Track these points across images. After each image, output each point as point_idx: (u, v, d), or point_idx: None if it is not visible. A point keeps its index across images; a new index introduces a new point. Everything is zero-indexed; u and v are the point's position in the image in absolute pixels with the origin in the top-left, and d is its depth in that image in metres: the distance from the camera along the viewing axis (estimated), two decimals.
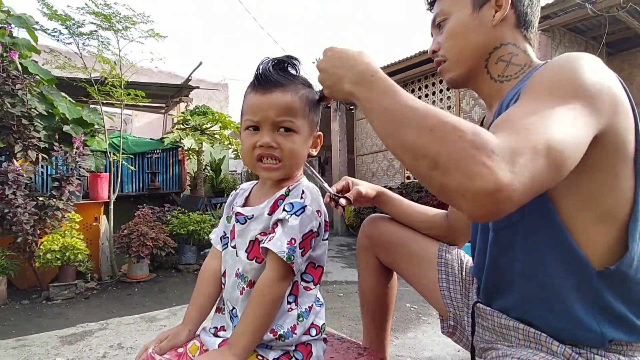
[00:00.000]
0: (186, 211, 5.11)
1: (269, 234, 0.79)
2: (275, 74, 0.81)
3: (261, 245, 0.78)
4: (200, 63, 6.54)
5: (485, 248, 0.83)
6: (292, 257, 0.75)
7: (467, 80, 0.88)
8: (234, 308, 0.84)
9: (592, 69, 0.62)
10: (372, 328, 1.26)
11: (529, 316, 0.75)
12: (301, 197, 0.79)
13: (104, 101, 4.63)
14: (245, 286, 0.82)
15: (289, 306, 0.81)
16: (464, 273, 1.06)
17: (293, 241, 0.75)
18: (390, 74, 7.20)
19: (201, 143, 6.18)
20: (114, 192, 4.51)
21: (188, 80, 6.72)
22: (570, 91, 0.59)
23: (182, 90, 6.70)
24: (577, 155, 0.56)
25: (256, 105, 0.80)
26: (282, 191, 0.82)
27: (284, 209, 0.78)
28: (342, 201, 1.08)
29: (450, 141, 0.52)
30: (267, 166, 0.81)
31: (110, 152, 4.65)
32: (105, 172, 4.74)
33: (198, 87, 6.73)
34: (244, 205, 0.90)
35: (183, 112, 6.48)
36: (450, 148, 0.51)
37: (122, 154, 4.77)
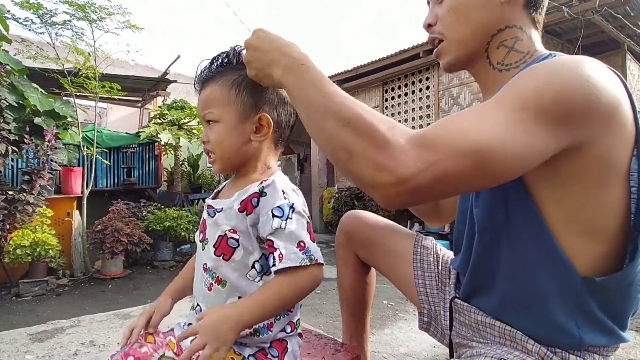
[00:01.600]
0: (162, 207, 5.02)
1: (270, 252, 0.74)
2: (206, 71, 0.82)
3: (275, 270, 0.72)
4: (178, 57, 6.42)
5: (471, 243, 0.79)
6: (313, 257, 0.72)
7: (466, 64, 0.79)
8: (198, 305, 0.83)
9: (586, 78, 0.55)
10: (351, 323, 1.27)
11: (507, 318, 0.73)
12: (284, 198, 0.76)
13: (78, 93, 4.49)
14: (213, 282, 0.79)
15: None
16: (440, 267, 1.07)
17: (302, 243, 0.72)
18: (371, 72, 7.27)
19: (178, 138, 6.07)
20: (87, 186, 4.39)
21: (165, 73, 6.59)
22: (543, 106, 0.54)
23: (160, 83, 6.56)
24: (516, 166, 0.54)
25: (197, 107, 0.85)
26: (255, 188, 0.77)
27: (274, 216, 0.73)
28: None
29: (364, 135, 0.54)
30: (210, 161, 0.83)
31: (83, 146, 4.52)
32: (79, 166, 4.61)
33: (176, 81, 6.59)
34: (215, 197, 0.88)
35: (160, 107, 6.35)
36: (363, 142, 0.54)
37: (97, 148, 4.64)
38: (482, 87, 0.81)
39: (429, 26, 0.80)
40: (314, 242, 0.75)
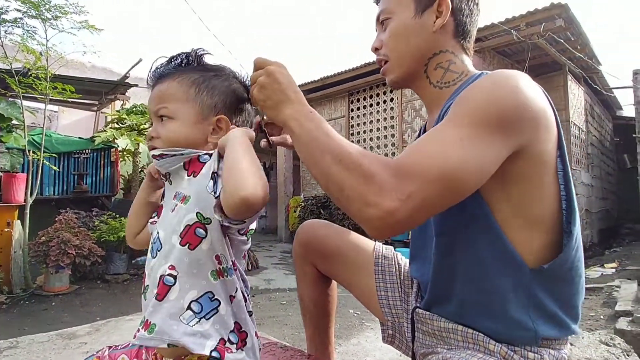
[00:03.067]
0: (117, 216, 4.74)
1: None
2: (163, 67, 0.79)
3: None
4: (140, 60, 6.17)
5: (429, 252, 0.84)
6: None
7: (408, 81, 0.90)
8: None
9: (518, 91, 0.65)
10: (315, 336, 1.21)
11: (468, 321, 0.77)
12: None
13: (26, 94, 4.18)
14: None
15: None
16: (402, 277, 1.05)
17: None
18: (336, 83, 7.37)
19: (138, 144, 5.80)
20: (31, 194, 4.06)
21: (125, 77, 6.31)
22: (489, 119, 0.63)
23: (119, 87, 6.27)
24: (479, 178, 0.62)
25: (148, 103, 0.81)
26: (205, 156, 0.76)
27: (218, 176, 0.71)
28: (263, 142, 0.96)
29: (351, 172, 0.61)
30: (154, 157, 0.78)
31: (29, 151, 4.19)
32: (23, 172, 4.27)
33: (137, 85, 6.32)
34: None
35: (118, 111, 6.06)
36: (352, 179, 0.60)
37: (44, 152, 4.32)
38: (425, 102, 0.92)
39: (376, 49, 0.92)
40: None
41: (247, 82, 0.84)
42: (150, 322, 0.71)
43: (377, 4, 0.94)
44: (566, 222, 0.71)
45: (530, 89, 0.66)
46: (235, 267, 0.75)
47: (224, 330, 0.71)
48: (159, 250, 0.75)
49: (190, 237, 0.71)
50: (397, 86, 0.93)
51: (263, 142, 0.96)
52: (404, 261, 1.08)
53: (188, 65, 0.79)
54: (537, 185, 0.69)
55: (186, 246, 0.71)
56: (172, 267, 0.71)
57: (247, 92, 0.82)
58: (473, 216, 0.72)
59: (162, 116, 0.77)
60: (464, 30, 0.86)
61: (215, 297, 0.71)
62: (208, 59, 0.82)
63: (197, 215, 0.71)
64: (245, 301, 0.76)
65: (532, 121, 0.65)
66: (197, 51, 0.80)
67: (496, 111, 0.63)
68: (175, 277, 0.71)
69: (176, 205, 0.74)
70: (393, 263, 1.07)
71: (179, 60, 0.80)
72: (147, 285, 0.76)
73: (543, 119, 0.67)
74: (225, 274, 0.73)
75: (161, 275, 0.72)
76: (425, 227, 0.85)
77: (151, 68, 0.81)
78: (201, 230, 0.71)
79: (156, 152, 0.76)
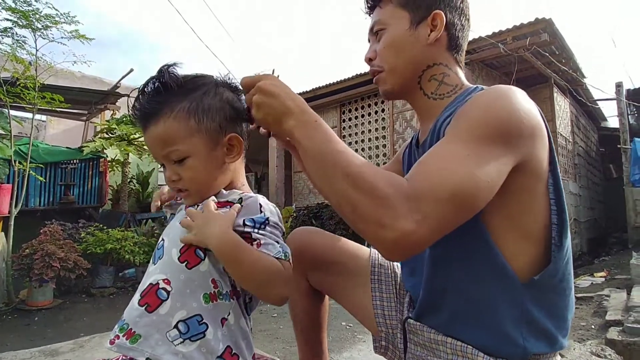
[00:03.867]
0: (105, 228, 4.65)
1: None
2: (145, 103, 0.74)
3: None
4: (131, 70, 6.16)
5: (422, 265, 0.84)
6: (288, 253, 0.71)
7: (402, 93, 0.90)
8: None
9: (516, 106, 0.67)
10: (308, 349, 1.18)
11: (457, 332, 0.77)
12: (260, 211, 0.73)
13: (13, 104, 4.12)
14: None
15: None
16: (398, 286, 1.03)
17: (278, 241, 0.72)
18: (329, 94, 7.41)
19: (127, 154, 5.74)
20: (16, 205, 3.97)
21: (116, 87, 6.27)
22: (487, 134, 0.64)
23: (109, 97, 6.23)
24: (489, 192, 0.62)
25: (147, 145, 0.79)
26: (235, 196, 0.77)
27: (244, 224, 0.71)
28: (262, 130, 0.88)
29: (366, 194, 0.59)
30: (183, 195, 0.79)
31: (15, 161, 4.11)
32: (8, 182, 4.18)
33: (127, 95, 6.28)
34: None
35: (108, 120, 6.00)
36: (366, 201, 0.59)
37: (31, 162, 4.24)
38: (419, 113, 0.92)
39: (369, 60, 0.91)
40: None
41: (232, 82, 0.81)
42: (135, 331, 0.68)
43: (369, 15, 0.94)
44: (557, 234, 0.72)
45: (526, 104, 0.68)
46: (236, 291, 0.74)
47: (211, 354, 0.69)
48: (160, 258, 0.74)
49: (189, 255, 0.71)
50: (390, 97, 0.92)
51: (262, 130, 0.91)
52: (400, 269, 1.06)
53: (167, 91, 0.73)
54: (531, 198, 0.71)
55: (184, 263, 0.70)
56: (167, 282, 0.70)
57: (234, 91, 0.80)
58: (468, 229, 0.70)
59: (173, 159, 0.74)
60: (457, 44, 0.88)
61: (204, 320, 0.69)
62: (181, 71, 0.77)
63: None
64: (244, 321, 0.75)
65: (530, 136, 0.67)
66: (169, 70, 0.74)
67: (498, 127, 0.65)
68: (168, 293, 0.69)
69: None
70: (389, 272, 1.05)
71: (155, 89, 0.74)
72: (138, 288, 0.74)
73: (539, 134, 0.69)
74: (220, 298, 0.71)
75: (154, 284, 0.70)
76: None
77: (132, 107, 0.76)
78: (201, 253, 0.71)
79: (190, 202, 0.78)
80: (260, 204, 0.74)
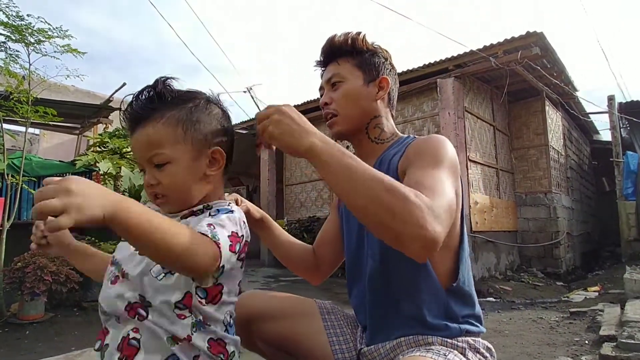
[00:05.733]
0: (97, 241, 4.61)
1: None
2: (138, 108, 0.77)
3: None
4: (124, 84, 6.21)
5: (364, 293, 0.99)
6: (217, 235, 0.66)
7: (350, 135, 1.07)
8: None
9: (452, 149, 0.91)
10: None
11: (402, 333, 0.91)
12: (228, 205, 0.79)
13: (6, 118, 4.12)
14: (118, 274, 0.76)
15: (179, 312, 0.71)
16: (351, 326, 1.08)
17: (213, 226, 0.68)
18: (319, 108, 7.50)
19: (120, 168, 5.72)
20: (8, 219, 3.94)
21: (109, 100, 6.30)
22: (448, 166, 0.86)
23: (102, 110, 6.26)
24: (456, 207, 0.82)
25: (132, 148, 0.81)
26: (199, 206, 0.80)
27: (209, 215, 0.75)
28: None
29: (405, 201, 0.68)
30: (159, 202, 0.79)
31: (8, 174, 4.09)
32: (1, 196, 4.15)
33: (120, 109, 6.31)
34: None
35: (101, 134, 6.00)
36: (406, 205, 0.68)
37: (24, 176, 4.21)
38: (360, 152, 1.08)
39: (325, 104, 1.07)
40: (232, 252, 0.69)
41: (220, 102, 0.86)
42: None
43: (322, 68, 1.12)
44: (461, 249, 0.93)
45: (454, 149, 0.93)
46: (206, 324, 0.74)
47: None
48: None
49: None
50: (340, 137, 1.06)
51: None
52: (349, 311, 1.12)
53: (161, 100, 0.77)
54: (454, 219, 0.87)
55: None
56: (136, 330, 0.70)
57: (222, 110, 0.85)
58: None
59: (155, 163, 0.76)
60: (393, 103, 1.11)
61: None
62: (176, 85, 0.81)
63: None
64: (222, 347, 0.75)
65: (458, 171, 0.90)
66: (164, 82, 0.78)
67: (452, 160, 0.88)
68: (138, 341, 0.69)
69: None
70: (339, 315, 1.11)
71: (148, 96, 0.77)
72: (107, 345, 0.72)
73: (458, 167, 0.91)
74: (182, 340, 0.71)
75: (123, 337, 0.70)
76: (359, 272, 1.02)
77: (124, 111, 0.79)
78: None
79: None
80: (229, 203, 0.80)
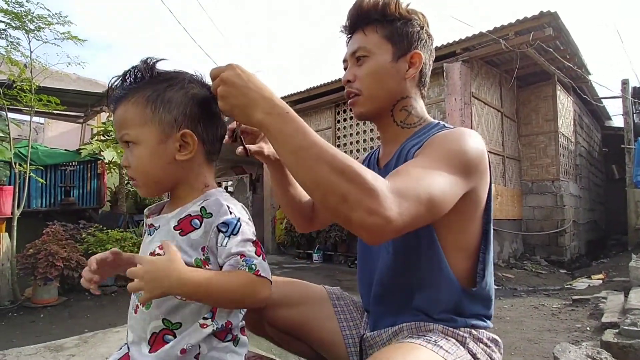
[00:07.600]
0: (105, 228, 4.68)
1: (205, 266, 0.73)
2: (118, 89, 0.76)
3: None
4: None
5: (371, 282, 0.96)
6: (254, 266, 0.71)
7: (374, 117, 0.98)
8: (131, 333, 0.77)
9: (473, 146, 0.81)
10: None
11: (406, 319, 0.89)
12: (230, 213, 0.73)
13: (11, 107, 4.14)
14: (139, 304, 0.74)
15: (203, 322, 0.73)
16: (359, 312, 1.08)
17: (244, 256, 0.71)
18: (323, 94, 7.33)
19: None
20: (18, 207, 4.00)
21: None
22: (454, 163, 0.77)
23: (104, 99, 6.22)
24: (448, 206, 0.73)
25: None
26: (196, 208, 0.75)
27: (219, 231, 0.72)
28: (239, 149, 0.95)
29: (356, 184, 0.63)
30: (133, 184, 0.79)
31: (15, 163, 4.14)
32: (10, 184, 4.20)
33: None
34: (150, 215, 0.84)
35: (104, 123, 6.02)
36: (356, 190, 0.63)
37: (31, 165, 4.26)
38: (385, 136, 1.01)
39: (348, 81, 0.96)
40: (259, 256, 0.73)
41: (204, 82, 0.80)
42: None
43: (347, 35, 0.99)
44: (482, 252, 0.88)
45: (480, 147, 0.82)
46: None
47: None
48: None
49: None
50: (363, 118, 0.99)
51: (239, 150, 0.94)
52: (356, 296, 1.12)
53: (141, 79, 0.75)
54: (469, 220, 0.85)
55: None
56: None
57: (205, 90, 0.78)
58: (425, 239, 0.86)
59: (126, 142, 0.74)
60: (425, 81, 0.99)
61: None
62: (163, 65, 0.78)
63: (195, 261, 0.73)
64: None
65: (481, 172, 0.82)
66: (148, 61, 0.76)
67: (463, 160, 0.78)
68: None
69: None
70: (348, 302, 1.10)
71: (131, 77, 0.75)
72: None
73: (485, 170, 0.83)
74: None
75: (153, 333, 0.72)
76: (371, 259, 0.98)
77: (108, 90, 0.77)
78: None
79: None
80: (227, 205, 0.74)
